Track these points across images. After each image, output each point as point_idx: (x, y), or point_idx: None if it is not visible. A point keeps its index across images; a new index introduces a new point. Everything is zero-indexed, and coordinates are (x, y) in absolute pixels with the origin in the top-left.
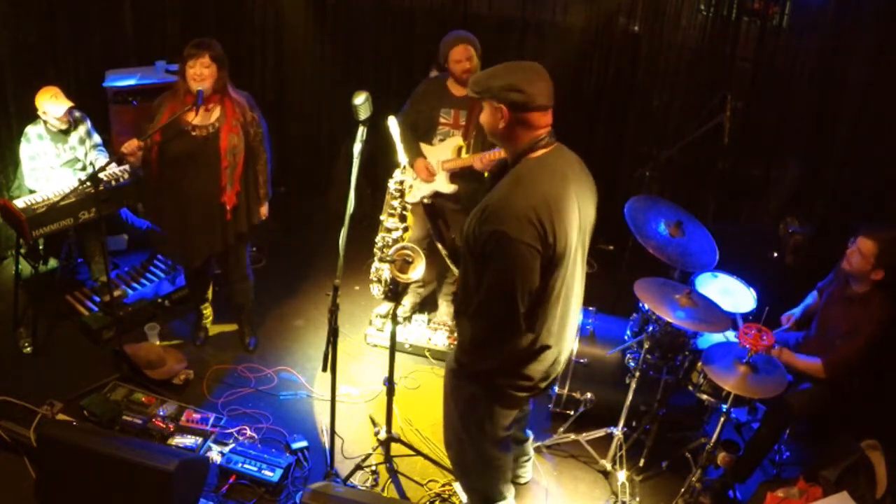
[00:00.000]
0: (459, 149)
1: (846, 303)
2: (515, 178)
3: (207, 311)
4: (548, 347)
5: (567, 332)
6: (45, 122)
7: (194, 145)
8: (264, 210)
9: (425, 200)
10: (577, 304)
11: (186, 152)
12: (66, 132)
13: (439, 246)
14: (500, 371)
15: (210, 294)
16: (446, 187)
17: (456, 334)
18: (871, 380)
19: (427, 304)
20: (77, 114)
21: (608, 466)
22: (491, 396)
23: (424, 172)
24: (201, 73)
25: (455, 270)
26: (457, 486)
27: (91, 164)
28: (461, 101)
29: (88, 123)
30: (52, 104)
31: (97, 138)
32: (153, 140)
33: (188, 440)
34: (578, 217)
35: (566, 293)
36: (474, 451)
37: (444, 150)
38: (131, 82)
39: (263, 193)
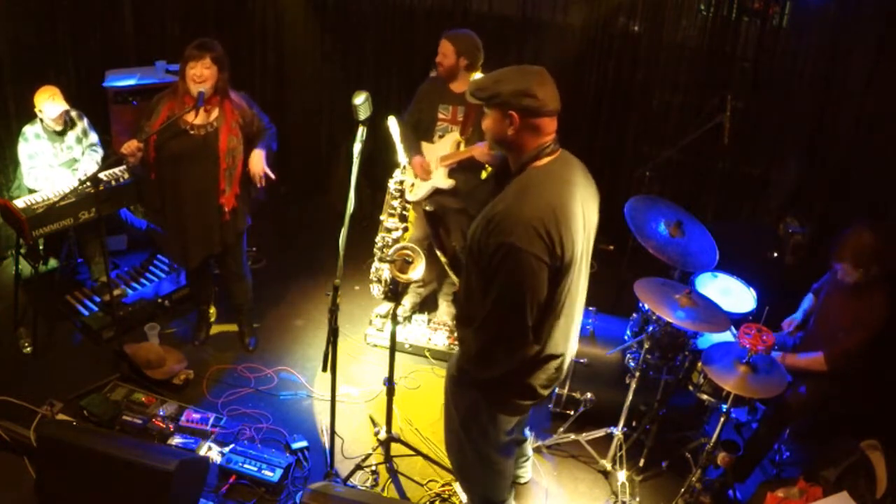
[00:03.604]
0: (458, 144)
1: (843, 295)
2: (521, 187)
3: (211, 310)
4: (553, 357)
5: (571, 339)
6: (41, 120)
7: (192, 145)
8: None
9: (427, 208)
10: (580, 309)
11: (184, 152)
12: (61, 133)
13: (439, 254)
14: (504, 380)
15: (212, 293)
16: (444, 182)
17: (458, 341)
18: (871, 378)
19: (427, 304)
20: (73, 113)
21: (608, 466)
22: (493, 404)
23: (420, 170)
24: (202, 74)
25: (455, 279)
26: (457, 487)
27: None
28: (459, 97)
29: (85, 122)
30: (49, 104)
31: (94, 137)
32: (150, 139)
33: (188, 440)
34: (583, 223)
35: (570, 301)
36: (476, 456)
37: (443, 146)
38: (131, 82)
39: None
